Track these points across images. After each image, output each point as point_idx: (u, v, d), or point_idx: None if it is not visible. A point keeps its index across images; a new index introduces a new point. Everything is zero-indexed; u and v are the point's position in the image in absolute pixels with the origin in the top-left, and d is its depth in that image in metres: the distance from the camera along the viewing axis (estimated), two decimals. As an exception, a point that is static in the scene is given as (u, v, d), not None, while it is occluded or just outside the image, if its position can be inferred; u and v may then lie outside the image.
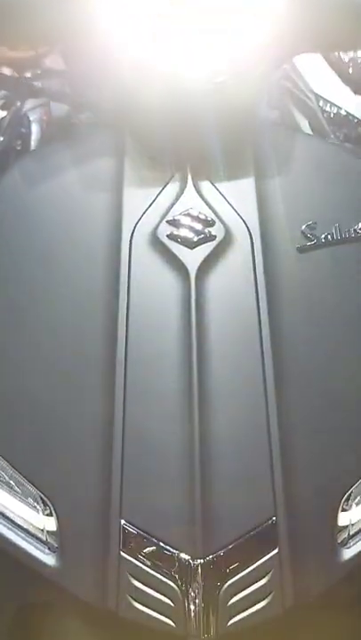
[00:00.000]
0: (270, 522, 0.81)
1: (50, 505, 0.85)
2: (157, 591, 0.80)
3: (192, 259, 0.87)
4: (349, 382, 0.88)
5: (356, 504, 0.87)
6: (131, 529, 0.81)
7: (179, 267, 0.87)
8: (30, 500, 0.87)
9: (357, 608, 0.89)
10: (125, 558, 0.81)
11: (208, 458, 0.81)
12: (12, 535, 0.86)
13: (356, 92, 1.94)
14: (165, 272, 0.87)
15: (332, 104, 1.93)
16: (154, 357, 0.85)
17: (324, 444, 0.86)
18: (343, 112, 1.94)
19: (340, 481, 0.86)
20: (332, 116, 1.93)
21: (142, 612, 0.80)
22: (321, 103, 1.91)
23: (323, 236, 0.92)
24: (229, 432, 0.83)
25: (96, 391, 0.85)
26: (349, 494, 0.86)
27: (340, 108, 1.93)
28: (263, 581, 0.80)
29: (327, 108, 1.93)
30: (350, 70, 1.94)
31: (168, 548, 0.80)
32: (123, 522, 0.82)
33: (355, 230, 0.93)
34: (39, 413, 0.86)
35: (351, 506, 0.87)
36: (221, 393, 0.83)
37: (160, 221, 0.89)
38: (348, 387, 0.88)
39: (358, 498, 0.87)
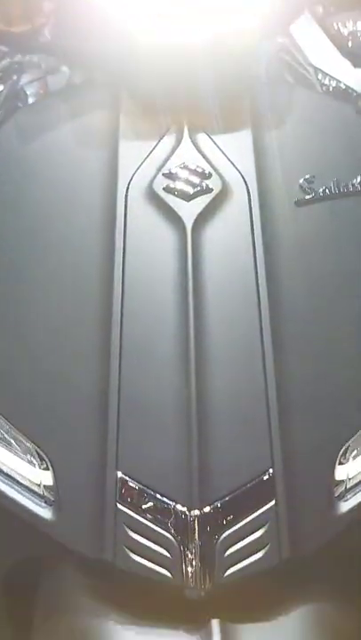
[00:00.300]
0: (267, 474, 0.81)
1: (46, 459, 0.85)
2: (154, 542, 0.80)
3: (188, 211, 0.86)
4: (348, 336, 0.87)
5: (354, 458, 0.87)
6: (127, 481, 0.81)
7: (175, 219, 0.86)
8: (27, 455, 0.86)
9: (354, 561, 0.89)
10: (122, 510, 0.80)
11: (205, 410, 0.81)
12: (8, 489, 0.86)
13: (355, 66, 1.92)
14: (161, 225, 0.86)
15: (331, 77, 1.91)
16: (150, 311, 0.84)
17: (322, 397, 0.85)
18: (342, 85, 1.92)
19: (337, 434, 0.85)
20: (331, 89, 1.91)
21: (139, 563, 0.80)
22: (320, 76, 1.89)
23: (321, 189, 0.91)
24: (226, 385, 0.82)
25: (92, 346, 0.84)
26: (346, 448, 0.86)
27: (339, 81, 1.91)
28: (260, 533, 0.80)
29: (326, 82, 1.91)
30: (350, 44, 1.92)
31: (165, 499, 0.80)
32: (119, 474, 0.81)
33: (353, 184, 0.92)
34: (35, 369, 0.86)
35: (348, 459, 0.87)
36: (218, 347, 0.83)
37: (156, 174, 0.88)
38: (346, 341, 0.87)
39: (355, 451, 0.87)
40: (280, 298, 0.85)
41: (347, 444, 0.86)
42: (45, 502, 0.85)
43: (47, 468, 0.85)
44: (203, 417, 0.80)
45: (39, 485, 0.86)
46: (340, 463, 0.86)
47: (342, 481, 0.86)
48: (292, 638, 0.80)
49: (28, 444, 0.86)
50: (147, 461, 0.81)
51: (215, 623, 0.79)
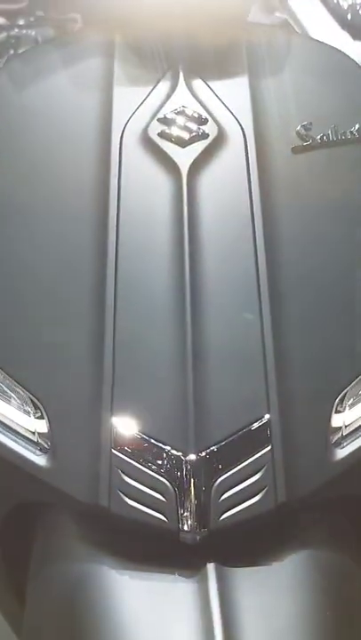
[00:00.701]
0: (263, 419, 0.81)
1: (41, 407, 0.84)
2: (149, 487, 0.79)
3: (184, 157, 0.85)
4: (344, 283, 0.87)
5: (350, 406, 0.87)
6: (122, 427, 0.80)
7: (170, 165, 0.85)
8: (22, 404, 0.86)
9: (349, 507, 0.89)
10: (117, 456, 0.80)
11: (201, 355, 0.80)
12: (2, 437, 0.85)
13: (354, 38, 1.90)
14: (156, 170, 0.85)
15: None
16: (145, 255, 0.83)
17: (319, 344, 0.85)
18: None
19: (334, 381, 0.85)
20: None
21: (134, 507, 0.79)
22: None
23: (318, 136, 0.90)
24: (222, 329, 0.81)
25: (87, 290, 0.83)
26: (343, 396, 0.86)
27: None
28: (256, 477, 0.80)
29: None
30: (349, 16, 1.90)
31: (160, 444, 0.80)
32: (114, 420, 0.81)
33: (351, 132, 0.91)
34: (27, 315, 0.85)
35: (345, 407, 0.86)
36: (214, 290, 0.82)
37: (151, 120, 0.86)
38: (342, 287, 0.87)
39: (352, 400, 0.87)
40: (276, 242, 0.84)
41: (344, 392, 0.85)
42: (40, 450, 0.84)
43: (41, 417, 0.85)
44: (198, 362, 0.80)
45: (34, 433, 0.85)
46: (337, 411, 0.85)
47: (339, 428, 0.85)
48: (287, 582, 0.80)
49: (22, 393, 0.85)
50: (142, 407, 0.81)
51: (211, 567, 0.79)
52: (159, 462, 0.80)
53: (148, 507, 0.79)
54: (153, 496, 0.79)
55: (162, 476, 0.79)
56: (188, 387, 0.80)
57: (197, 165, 0.85)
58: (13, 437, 0.85)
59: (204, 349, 0.81)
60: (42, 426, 0.85)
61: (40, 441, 0.85)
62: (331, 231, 0.88)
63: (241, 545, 0.81)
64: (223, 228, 0.84)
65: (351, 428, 0.86)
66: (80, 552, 0.83)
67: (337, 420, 0.85)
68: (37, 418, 0.85)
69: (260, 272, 0.83)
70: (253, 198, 0.85)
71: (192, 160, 0.85)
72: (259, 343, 0.82)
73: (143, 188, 0.85)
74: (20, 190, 0.87)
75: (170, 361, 0.80)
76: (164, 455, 0.79)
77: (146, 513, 0.79)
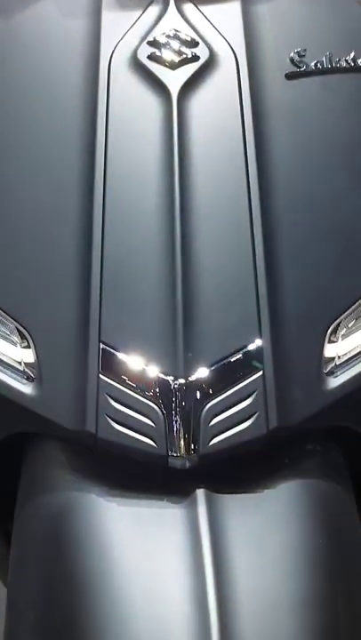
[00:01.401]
0: (255, 344, 0.79)
1: (27, 336, 0.82)
2: (138, 412, 0.78)
3: (174, 79, 0.83)
4: (336, 208, 0.85)
5: (343, 337, 0.85)
6: (110, 351, 0.78)
7: (160, 87, 0.83)
8: (7, 333, 0.84)
9: (341, 436, 0.87)
10: (105, 381, 0.78)
11: (191, 276, 0.78)
12: None
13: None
14: (146, 93, 0.83)
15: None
16: (134, 177, 0.81)
17: (312, 271, 0.83)
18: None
19: (327, 310, 0.83)
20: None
21: (122, 433, 0.77)
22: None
23: (313, 63, 0.88)
24: (213, 252, 0.80)
25: (74, 214, 0.81)
26: (337, 325, 0.84)
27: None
28: (247, 402, 0.78)
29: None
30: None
31: (148, 368, 0.78)
32: (102, 345, 0.79)
33: (346, 60, 0.90)
34: (12, 243, 0.83)
35: (338, 338, 0.84)
36: (205, 213, 0.80)
37: (140, 43, 0.85)
38: (336, 213, 0.85)
39: (344, 330, 0.85)
40: (269, 164, 0.82)
41: (337, 322, 0.83)
42: (27, 379, 0.82)
43: (28, 346, 0.83)
44: (188, 284, 0.78)
45: (20, 363, 0.83)
46: (331, 341, 0.83)
47: (332, 358, 0.83)
48: (277, 509, 0.78)
49: (8, 323, 0.83)
50: (130, 331, 0.79)
51: (200, 493, 0.77)
52: (148, 387, 0.78)
53: (136, 432, 0.77)
54: (141, 421, 0.77)
55: (150, 400, 0.77)
56: (177, 310, 0.78)
57: (188, 88, 0.83)
58: (1, 364, 0.83)
59: (194, 273, 0.79)
60: (28, 355, 0.83)
61: (27, 370, 0.83)
62: (324, 157, 0.86)
63: (232, 472, 0.79)
64: (214, 151, 0.82)
65: (345, 359, 0.84)
66: (67, 480, 0.81)
67: (330, 351, 0.83)
68: (24, 347, 0.83)
69: (252, 195, 0.81)
70: (245, 122, 0.83)
71: (182, 82, 0.83)
72: (250, 267, 0.80)
73: (132, 111, 0.83)
74: (8, 113, 0.85)
75: (159, 284, 0.78)
76: (153, 379, 0.78)
77: (134, 438, 0.77)
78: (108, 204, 0.80)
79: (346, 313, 0.84)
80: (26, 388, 0.82)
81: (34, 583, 0.77)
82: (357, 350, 0.85)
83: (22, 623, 0.76)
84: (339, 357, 0.84)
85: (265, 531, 0.75)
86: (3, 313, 0.83)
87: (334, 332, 0.84)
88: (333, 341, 0.84)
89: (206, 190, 0.81)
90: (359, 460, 0.90)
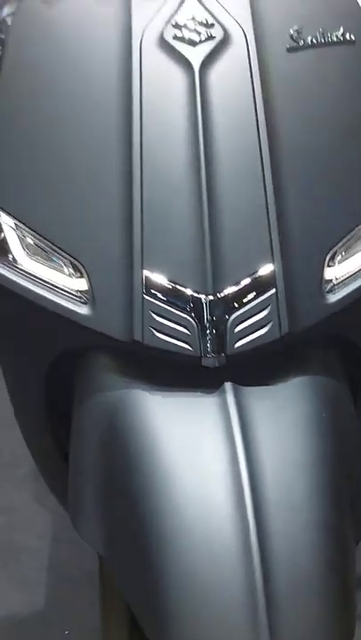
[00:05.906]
0: (269, 268, 0.98)
1: (80, 267, 1.00)
2: (176, 323, 0.97)
3: (195, 55, 1.01)
4: (333, 154, 1.03)
5: (339, 262, 1.04)
6: (152, 276, 0.97)
7: (184, 62, 1.01)
8: (63, 265, 1.02)
9: (341, 342, 1.07)
10: (148, 300, 0.97)
11: (214, 214, 0.97)
12: (48, 294, 1.01)
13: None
14: (173, 67, 1.01)
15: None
16: (166, 134, 0.99)
17: (314, 205, 1.01)
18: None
19: (327, 238, 1.01)
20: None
21: (164, 340, 0.97)
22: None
23: (309, 38, 1.06)
24: (232, 192, 0.98)
25: (117, 160, 0.98)
26: (334, 253, 1.03)
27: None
28: (263, 314, 0.97)
29: None
30: None
31: (183, 288, 0.97)
32: (145, 272, 0.97)
33: (336, 35, 1.07)
34: (65, 188, 1.01)
35: (336, 263, 1.03)
36: (225, 160, 0.98)
37: (165, 26, 1.02)
38: (332, 158, 1.03)
39: (340, 256, 1.03)
40: (276, 119, 1.00)
41: (334, 250, 1.02)
42: (82, 302, 1.01)
43: (81, 276, 1.01)
44: (213, 219, 0.97)
45: (76, 291, 1.02)
46: (329, 265, 1.02)
47: (330, 280, 1.03)
48: (290, 396, 0.98)
49: (62, 257, 1.01)
50: (168, 258, 0.97)
51: (228, 385, 0.97)
52: (183, 303, 0.97)
53: (175, 338, 0.97)
54: (179, 330, 0.97)
55: (186, 313, 0.96)
56: (205, 241, 0.96)
57: (207, 62, 1.01)
58: (59, 293, 1.02)
59: (217, 211, 0.97)
60: (82, 284, 1.01)
61: (82, 296, 1.01)
62: (321, 115, 1.04)
63: (253, 370, 0.98)
64: (230, 111, 1.00)
65: (342, 279, 1.03)
66: (118, 383, 1.01)
67: (329, 273, 1.03)
68: (77, 278, 1.02)
69: (263, 146, 0.99)
70: (255, 88, 1.01)
71: (202, 57, 1.01)
72: (263, 206, 0.98)
73: (162, 82, 1.01)
74: (57, 87, 1.03)
75: (189, 219, 0.97)
76: (188, 297, 0.96)
77: (174, 343, 0.97)
78: (145, 152, 0.98)
79: (341, 242, 1.03)
80: (83, 310, 1.00)
81: (93, 457, 0.97)
82: (351, 273, 1.04)
83: (86, 487, 0.96)
84: (336, 279, 1.03)
85: (280, 410, 0.95)
86: (58, 249, 1.01)
87: (332, 258, 1.03)
88: (331, 265, 1.03)
89: (226, 143, 0.99)
90: (353, 365, 1.10)
